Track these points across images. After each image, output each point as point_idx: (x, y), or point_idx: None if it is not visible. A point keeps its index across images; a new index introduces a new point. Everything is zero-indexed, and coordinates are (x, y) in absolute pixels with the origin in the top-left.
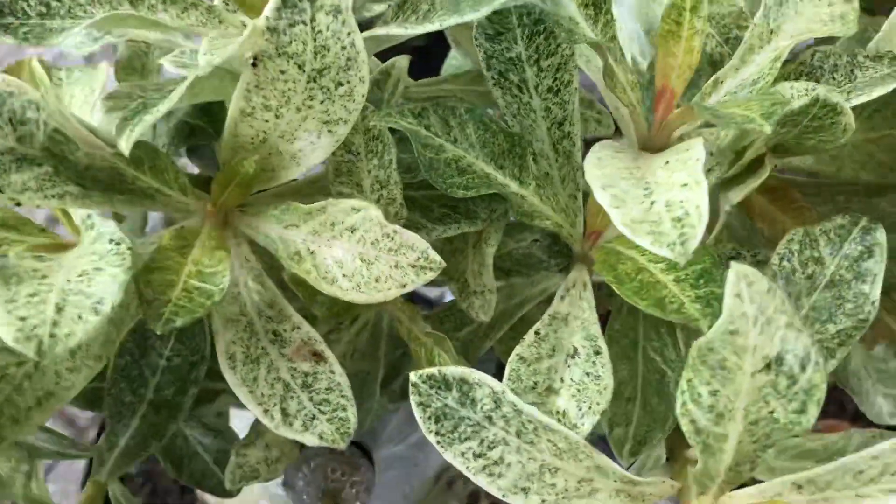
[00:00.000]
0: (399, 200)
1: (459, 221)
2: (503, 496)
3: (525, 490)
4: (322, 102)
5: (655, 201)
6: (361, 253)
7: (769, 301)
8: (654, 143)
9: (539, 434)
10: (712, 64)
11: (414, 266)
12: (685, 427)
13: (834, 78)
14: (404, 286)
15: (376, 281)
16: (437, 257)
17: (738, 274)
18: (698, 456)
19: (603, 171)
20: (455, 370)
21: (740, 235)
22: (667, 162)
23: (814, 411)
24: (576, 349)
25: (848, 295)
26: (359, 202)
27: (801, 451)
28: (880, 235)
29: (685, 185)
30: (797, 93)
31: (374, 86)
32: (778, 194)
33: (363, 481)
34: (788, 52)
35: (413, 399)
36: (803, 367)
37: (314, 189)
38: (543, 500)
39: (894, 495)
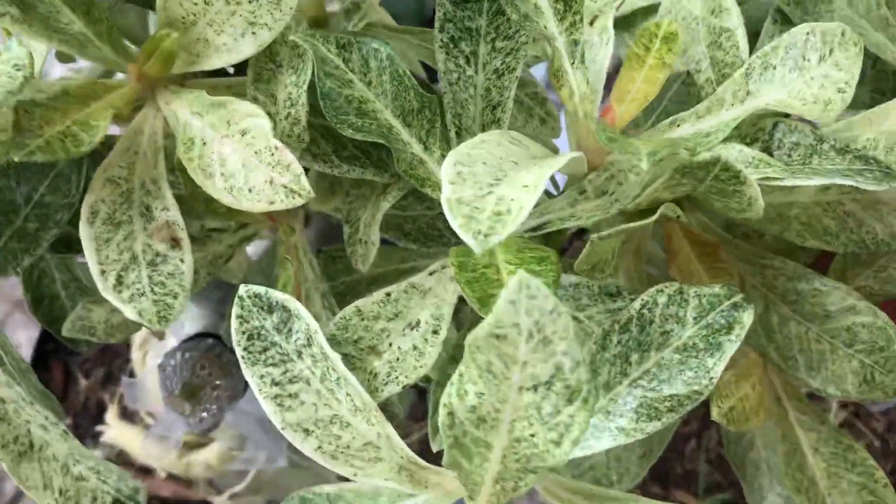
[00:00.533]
0: (303, 123)
1: (367, 168)
2: (282, 428)
3: (307, 432)
4: (250, 2)
5: (493, 192)
6: (245, 158)
7: (549, 322)
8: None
9: (341, 385)
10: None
11: (285, 187)
12: (442, 416)
13: (790, 155)
14: (272, 203)
15: (249, 190)
16: (308, 186)
17: (520, 283)
18: (445, 452)
19: (474, 149)
20: (282, 296)
21: (656, 281)
22: (536, 166)
23: (567, 447)
24: (419, 322)
25: (692, 363)
26: (256, 109)
27: None
28: (746, 317)
29: (525, 186)
30: (735, 154)
31: (342, 14)
32: (706, 250)
33: (229, 388)
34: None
35: (234, 310)
36: (570, 401)
37: (242, 90)
38: (320, 447)
39: None
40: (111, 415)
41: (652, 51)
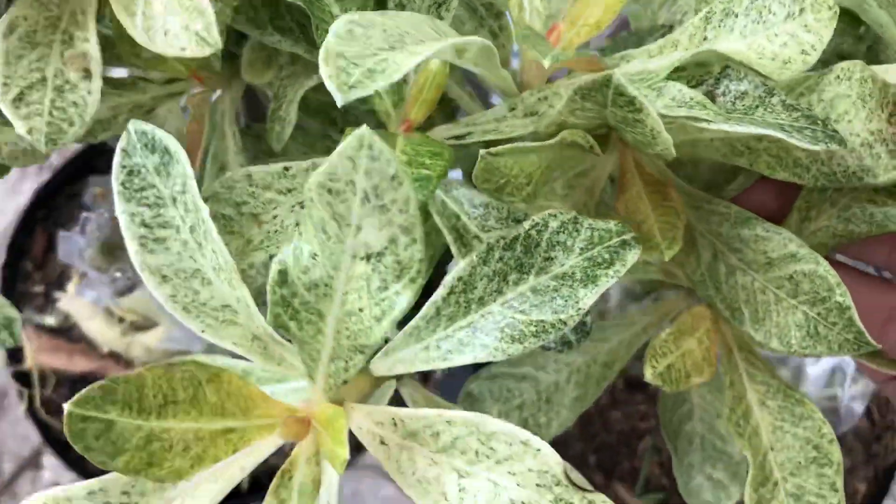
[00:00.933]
0: None
1: (299, 42)
2: (140, 270)
3: (165, 279)
4: None
5: (378, 55)
6: (166, 0)
7: (389, 189)
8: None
9: (207, 239)
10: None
11: (197, 34)
12: (273, 272)
13: (733, 103)
14: (183, 49)
15: (164, 33)
16: (218, 38)
17: (361, 139)
18: (269, 310)
19: (383, 17)
20: (167, 137)
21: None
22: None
23: (387, 325)
24: None
25: (565, 292)
26: None
27: None
28: (631, 256)
29: (413, 53)
30: (675, 93)
31: None
32: (658, 188)
33: None
34: None
35: (120, 144)
36: (399, 277)
37: None
38: (174, 296)
39: (454, 475)
40: (72, 284)
41: None
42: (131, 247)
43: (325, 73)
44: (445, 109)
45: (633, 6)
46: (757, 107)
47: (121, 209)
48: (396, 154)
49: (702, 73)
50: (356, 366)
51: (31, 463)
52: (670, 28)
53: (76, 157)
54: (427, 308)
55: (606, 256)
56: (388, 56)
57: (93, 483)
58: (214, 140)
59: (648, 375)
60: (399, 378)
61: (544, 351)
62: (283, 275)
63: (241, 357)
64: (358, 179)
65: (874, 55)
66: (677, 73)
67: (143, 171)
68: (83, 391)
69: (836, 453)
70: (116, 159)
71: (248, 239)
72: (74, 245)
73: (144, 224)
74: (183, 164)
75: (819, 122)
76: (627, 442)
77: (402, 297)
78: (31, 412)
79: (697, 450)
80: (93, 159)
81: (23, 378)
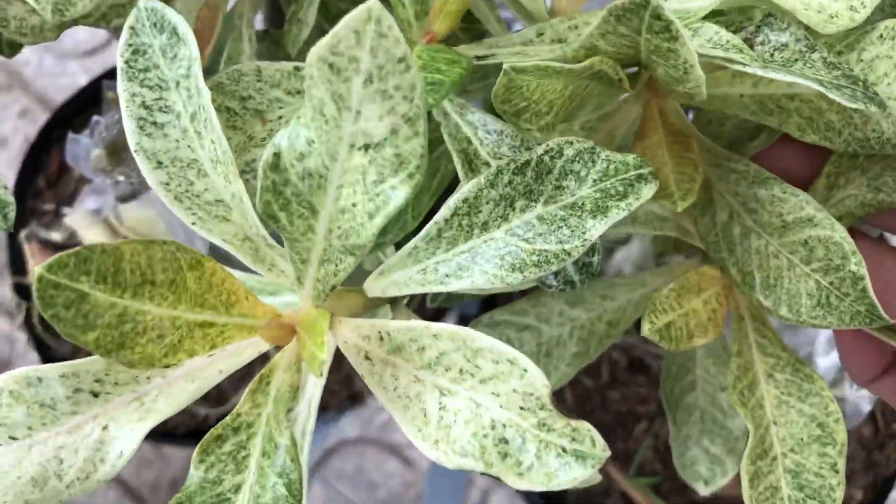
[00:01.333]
0: None
1: None
2: (134, 151)
3: (160, 165)
4: None
5: None
6: None
7: (395, 72)
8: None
9: (207, 129)
10: None
11: None
12: (266, 154)
13: (772, 54)
14: None
15: None
16: None
17: (370, 12)
18: (259, 195)
19: None
20: (179, 19)
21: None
22: None
23: (380, 221)
24: None
25: (572, 222)
26: None
27: None
28: (647, 190)
29: None
30: (711, 35)
31: None
32: (680, 139)
33: None
34: None
35: (129, 20)
36: (396, 171)
37: None
38: (168, 184)
39: (436, 392)
40: (78, 201)
41: None
42: (129, 127)
43: None
44: (471, 31)
45: None
46: (796, 60)
47: (122, 88)
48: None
49: (742, 19)
50: (346, 269)
51: None
52: None
53: (95, 80)
54: (429, 228)
55: (620, 189)
56: None
57: (66, 365)
58: (230, 42)
59: (646, 330)
60: (393, 303)
61: (549, 300)
62: (277, 158)
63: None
64: (362, 56)
65: None
66: (716, 17)
67: (148, 50)
68: (56, 255)
69: (841, 433)
70: (123, 36)
71: (251, 135)
72: (82, 147)
73: (145, 105)
74: (190, 46)
75: (860, 81)
76: (624, 423)
77: (399, 192)
78: (28, 326)
79: (697, 422)
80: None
81: (24, 291)
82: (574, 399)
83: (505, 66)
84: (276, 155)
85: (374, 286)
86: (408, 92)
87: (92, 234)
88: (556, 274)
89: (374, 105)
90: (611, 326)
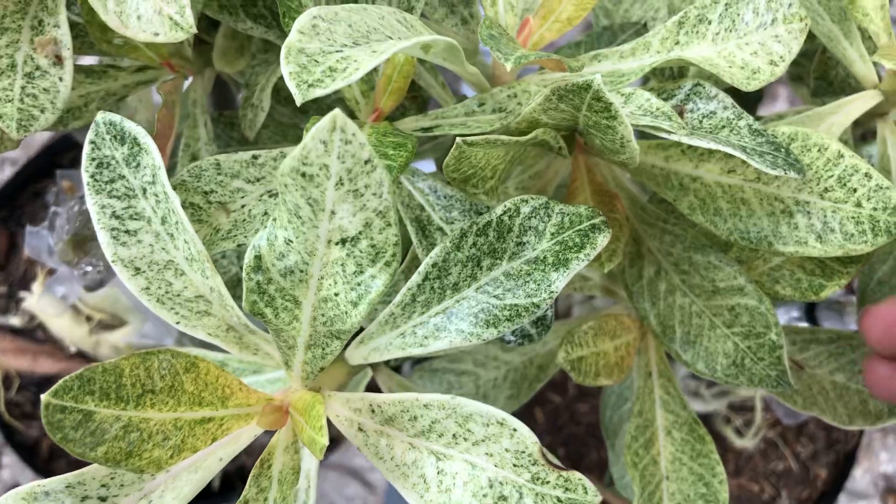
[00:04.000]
0: None
1: (272, 28)
2: (112, 262)
3: (138, 271)
4: None
5: (342, 52)
6: None
7: (363, 173)
8: (500, 75)
9: (180, 230)
10: None
11: (171, 18)
12: (248, 258)
13: (700, 122)
14: (157, 35)
15: (137, 18)
16: (192, 21)
17: (334, 122)
18: (244, 296)
19: (348, 11)
20: (135, 128)
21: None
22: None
23: (364, 309)
24: None
25: (537, 276)
26: None
27: None
28: (601, 239)
29: (374, 52)
30: (641, 101)
31: None
32: (605, 199)
33: None
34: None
35: (89, 135)
36: (374, 261)
37: None
38: (148, 288)
39: (432, 458)
40: (37, 283)
41: None
42: (103, 239)
43: (286, 70)
44: (417, 98)
45: (605, 2)
46: (723, 127)
47: (91, 201)
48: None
49: (673, 87)
50: (333, 352)
51: None
52: (644, 25)
53: (39, 154)
54: (402, 295)
55: (577, 240)
56: (350, 54)
57: (71, 476)
58: (186, 129)
59: (560, 359)
60: (374, 367)
61: (484, 345)
62: (259, 261)
63: (214, 348)
64: (331, 162)
65: (823, 71)
66: (647, 84)
67: (112, 162)
68: (60, 381)
69: (723, 493)
70: (86, 150)
71: (216, 228)
72: (42, 240)
73: (115, 216)
74: (152, 154)
75: (782, 149)
76: (595, 433)
77: (378, 281)
78: None
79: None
80: (56, 157)
81: None
82: (545, 416)
83: (458, 139)
84: (258, 257)
85: (356, 354)
86: (377, 189)
87: (61, 323)
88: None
89: (346, 204)
90: (541, 370)
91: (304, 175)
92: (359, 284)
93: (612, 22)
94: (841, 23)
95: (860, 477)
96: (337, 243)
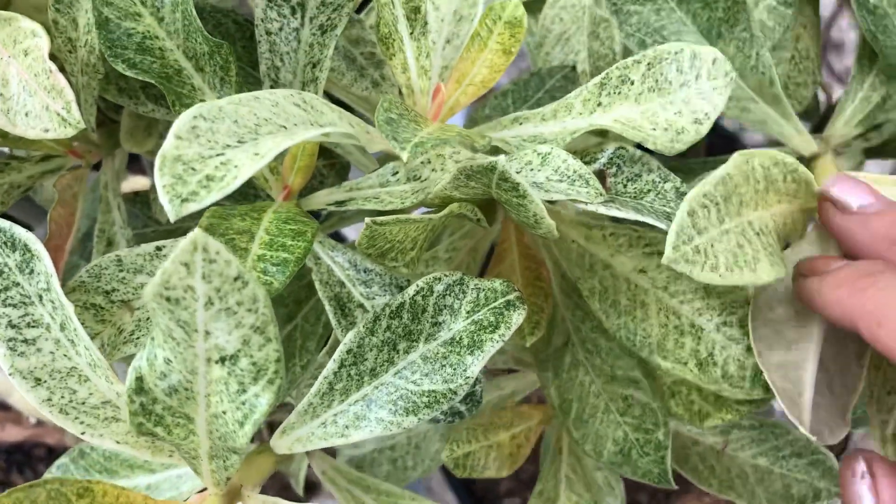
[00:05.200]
0: (97, 52)
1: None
2: (10, 374)
3: (39, 381)
4: None
5: (224, 154)
6: (25, 80)
7: (233, 290)
8: None
9: (78, 336)
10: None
11: (58, 115)
12: (129, 379)
13: (625, 185)
14: (46, 131)
15: (25, 115)
16: (80, 117)
17: (194, 243)
18: (129, 418)
19: (235, 104)
20: (25, 234)
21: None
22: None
23: (249, 429)
24: None
25: (453, 359)
26: (38, 27)
27: None
28: (516, 317)
29: (257, 154)
30: (559, 164)
31: None
32: (532, 265)
33: None
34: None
35: None
36: (256, 379)
37: None
38: (50, 399)
39: None
40: None
41: (494, 34)
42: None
43: (160, 183)
44: (336, 165)
45: (528, 46)
46: (649, 191)
47: None
48: (259, 234)
49: (597, 150)
50: (234, 465)
51: None
52: (573, 68)
53: None
54: (319, 383)
55: (492, 319)
56: (231, 157)
57: None
58: (100, 213)
59: (444, 456)
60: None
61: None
62: (140, 382)
63: None
64: (196, 284)
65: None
66: (573, 145)
67: (4, 269)
68: None
69: None
70: None
71: (120, 328)
72: None
73: (11, 325)
74: (44, 261)
75: None
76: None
77: (262, 399)
78: None
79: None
80: None
81: None
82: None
83: (367, 220)
84: (139, 379)
85: (280, 444)
86: (250, 304)
87: (16, 397)
88: None
89: (220, 323)
90: None
91: (168, 299)
92: (243, 403)
93: (538, 66)
94: (776, 105)
95: None
96: (217, 362)
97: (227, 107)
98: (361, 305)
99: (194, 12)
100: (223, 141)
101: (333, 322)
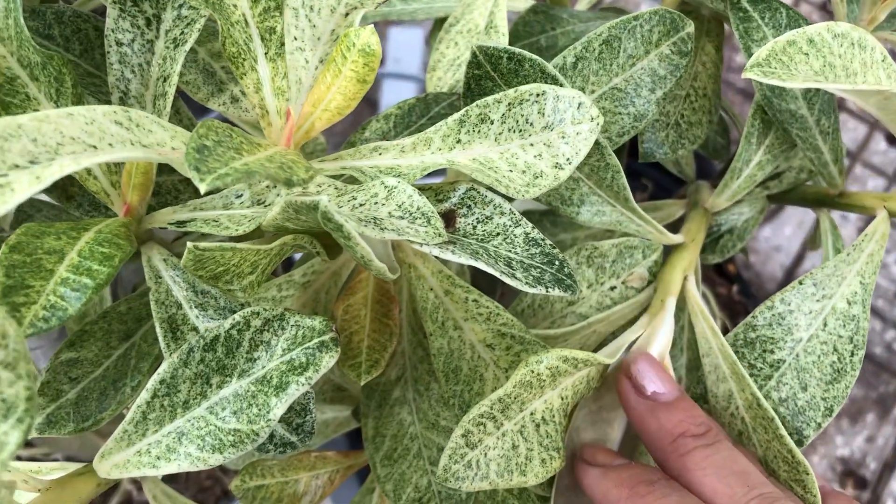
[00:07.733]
0: None
1: None
2: None
3: None
4: None
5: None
6: None
7: None
8: None
9: None
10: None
11: None
12: None
13: (474, 227)
14: None
15: None
16: None
17: None
18: None
19: (39, 121)
20: None
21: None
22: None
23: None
24: None
25: (260, 399)
26: None
27: None
28: (327, 359)
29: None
30: (404, 199)
31: None
32: (384, 301)
33: None
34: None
35: None
36: (5, 417)
37: None
38: None
39: None
40: None
41: (348, 61)
42: None
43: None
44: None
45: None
46: (497, 234)
47: None
48: (70, 256)
49: (449, 189)
50: (7, 498)
51: None
52: (459, 96)
53: None
54: (133, 412)
55: (303, 360)
56: (13, 179)
57: None
58: None
59: (232, 486)
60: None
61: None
62: None
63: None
64: None
65: None
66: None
67: None
68: None
69: None
70: None
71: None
72: None
73: None
74: None
75: (557, 262)
76: None
77: (11, 438)
78: None
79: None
80: None
81: None
82: None
83: (189, 245)
84: None
85: (101, 468)
86: (1, 341)
87: None
88: (270, 437)
89: None
90: None
91: None
92: None
93: (428, 91)
94: (625, 203)
95: (818, 462)
96: None
97: (28, 124)
98: (195, 329)
99: (22, 21)
100: (11, 161)
101: (162, 345)
